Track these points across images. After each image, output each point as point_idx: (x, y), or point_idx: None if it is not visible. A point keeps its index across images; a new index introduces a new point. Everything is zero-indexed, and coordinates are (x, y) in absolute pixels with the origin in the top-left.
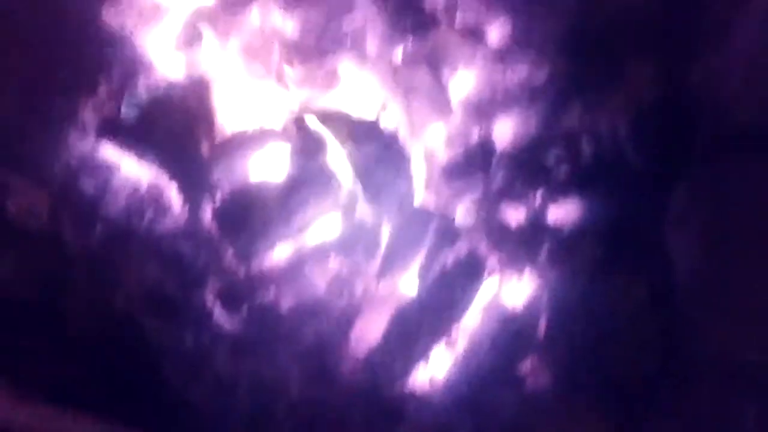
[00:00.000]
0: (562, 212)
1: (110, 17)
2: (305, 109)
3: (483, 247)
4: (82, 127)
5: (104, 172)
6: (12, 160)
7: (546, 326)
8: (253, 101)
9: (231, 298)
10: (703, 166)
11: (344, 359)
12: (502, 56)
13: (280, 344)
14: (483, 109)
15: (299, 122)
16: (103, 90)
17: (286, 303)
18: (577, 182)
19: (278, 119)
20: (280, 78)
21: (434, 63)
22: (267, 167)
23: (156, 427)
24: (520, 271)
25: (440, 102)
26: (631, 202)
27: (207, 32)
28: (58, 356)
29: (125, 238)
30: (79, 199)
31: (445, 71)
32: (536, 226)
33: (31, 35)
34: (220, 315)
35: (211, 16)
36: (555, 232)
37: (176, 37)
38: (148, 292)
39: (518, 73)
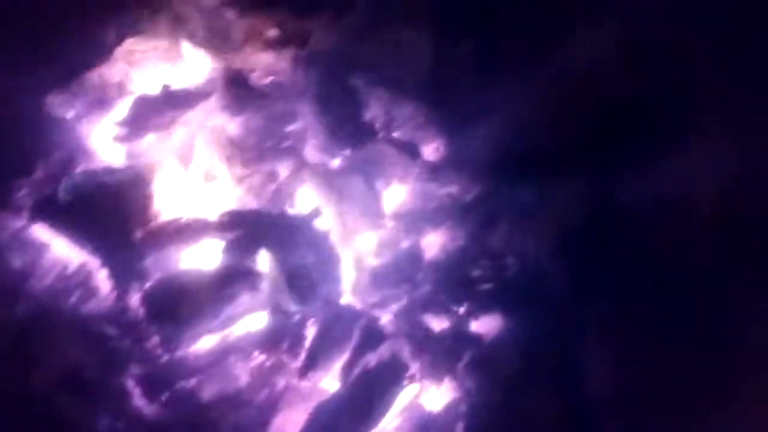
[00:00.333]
0: (484, 325)
1: (56, 105)
2: (241, 206)
3: (405, 353)
4: (16, 206)
5: (34, 251)
6: None
7: None
8: (190, 195)
9: (152, 384)
10: (621, 289)
11: None
12: (435, 173)
13: None
14: (413, 222)
15: (234, 219)
16: (40, 173)
17: (208, 393)
18: (500, 297)
19: (214, 214)
20: (218, 175)
21: (370, 173)
22: (199, 260)
23: None
24: (440, 378)
25: (373, 211)
26: (551, 320)
27: (151, 125)
28: None
29: (49, 317)
30: (5, 275)
31: (380, 182)
32: (458, 337)
33: None
34: (139, 400)
35: (155, 111)
36: (476, 343)
37: (119, 129)
38: (68, 372)
39: (449, 189)
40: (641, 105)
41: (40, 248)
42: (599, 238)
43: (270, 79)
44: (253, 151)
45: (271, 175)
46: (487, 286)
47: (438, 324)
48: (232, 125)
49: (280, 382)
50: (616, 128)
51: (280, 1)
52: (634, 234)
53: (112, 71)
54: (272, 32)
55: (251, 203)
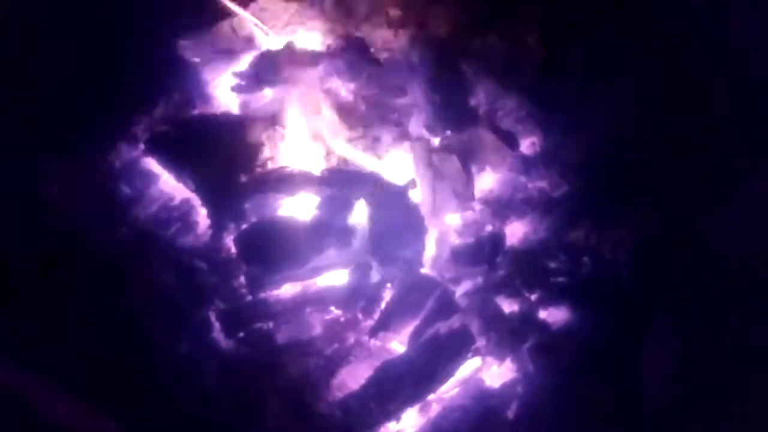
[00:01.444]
0: (552, 315)
1: (186, 49)
2: (343, 166)
3: (474, 328)
4: (133, 137)
5: (144, 180)
6: (61, 151)
7: (516, 412)
8: (297, 150)
9: (232, 321)
10: (688, 301)
11: (322, 400)
12: (528, 166)
13: (267, 373)
14: (500, 209)
15: (335, 177)
16: (160, 110)
17: (282, 337)
18: (571, 292)
19: (316, 170)
20: (326, 134)
21: (466, 157)
22: (296, 210)
23: (134, 419)
24: (503, 357)
25: (464, 192)
26: (616, 320)
27: (270, 79)
28: (60, 335)
29: (148, 243)
30: (114, 199)
31: (475, 166)
32: (525, 322)
33: (109, 48)
34: (218, 333)
35: (276, 67)
36: (542, 330)
37: (239, 80)
38: (158, 296)
39: (539, 184)
40: (741, 129)
41: (149, 179)
42: (674, 255)
43: (386, 54)
44: (362, 117)
45: (375, 142)
46: (560, 280)
47: (508, 306)
48: (345, 90)
49: (351, 338)
50: (711, 149)
51: None
52: (709, 258)
53: (242, 25)
54: (394, 12)
55: (353, 165)
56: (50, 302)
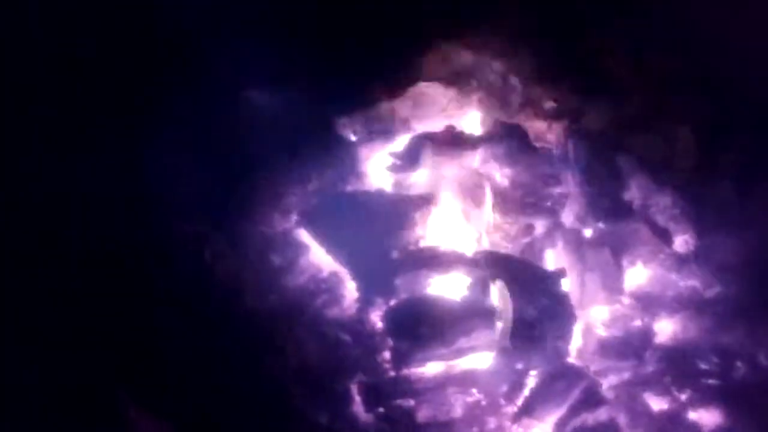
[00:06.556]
0: (704, 417)
1: (344, 127)
2: (495, 250)
3: (621, 421)
4: (286, 209)
5: (294, 251)
6: (217, 220)
7: None
8: (449, 230)
9: (373, 395)
10: None
11: None
12: (680, 264)
13: None
14: (650, 305)
15: (487, 259)
16: (314, 184)
17: (421, 416)
18: (724, 396)
19: (468, 251)
20: (480, 218)
21: (618, 250)
22: (446, 289)
23: None
24: None
25: (613, 285)
26: None
27: (425, 161)
28: (203, 392)
29: (296, 312)
30: (265, 267)
31: (626, 260)
32: (675, 421)
33: (269, 121)
34: (357, 407)
35: (432, 149)
36: None
37: (394, 159)
38: (303, 365)
39: (692, 283)
40: None
41: (299, 250)
42: None
43: (540, 144)
44: (516, 204)
45: (528, 229)
46: (711, 382)
47: (657, 403)
48: (501, 176)
49: (492, 422)
50: None
51: (561, 79)
52: None
53: (401, 107)
54: (549, 104)
55: (504, 249)
56: (198, 359)
